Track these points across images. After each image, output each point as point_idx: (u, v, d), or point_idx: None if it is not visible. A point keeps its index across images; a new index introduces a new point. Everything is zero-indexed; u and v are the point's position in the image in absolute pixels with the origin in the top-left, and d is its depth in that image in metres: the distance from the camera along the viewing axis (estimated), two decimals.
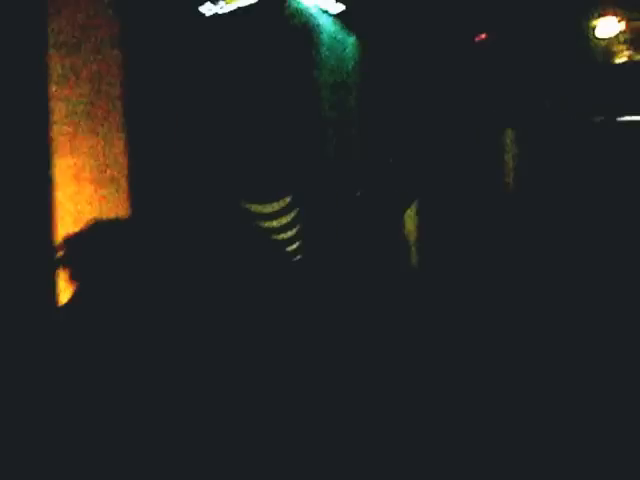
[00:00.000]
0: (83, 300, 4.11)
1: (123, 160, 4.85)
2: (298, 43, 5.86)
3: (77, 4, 4.91)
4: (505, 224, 5.79)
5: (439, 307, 5.13)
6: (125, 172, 4.82)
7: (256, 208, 4.89)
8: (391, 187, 5.34)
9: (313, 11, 5.66)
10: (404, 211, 5.65)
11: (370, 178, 5.15)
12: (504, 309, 5.04)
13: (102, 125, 4.79)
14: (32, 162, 4.74)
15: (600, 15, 5.94)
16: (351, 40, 5.65)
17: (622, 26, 5.99)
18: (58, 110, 4.77)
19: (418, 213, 5.81)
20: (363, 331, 4.72)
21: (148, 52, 5.10)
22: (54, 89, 4.75)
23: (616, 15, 5.97)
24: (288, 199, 5.17)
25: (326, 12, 5.63)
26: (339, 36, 5.81)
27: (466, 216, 5.86)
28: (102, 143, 4.79)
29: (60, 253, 4.56)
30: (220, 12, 5.71)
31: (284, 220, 5.08)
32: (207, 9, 5.57)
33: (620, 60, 6.20)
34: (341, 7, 5.32)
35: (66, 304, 4.28)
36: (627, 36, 6.09)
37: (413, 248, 5.54)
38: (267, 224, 4.98)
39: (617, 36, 6.15)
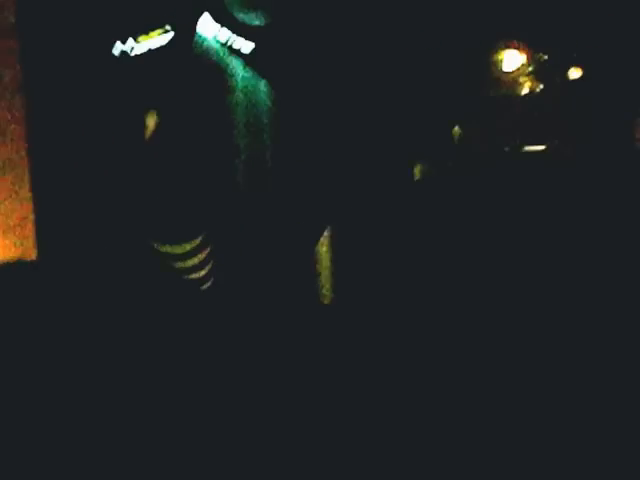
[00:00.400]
0: None
1: (28, 206, 4.76)
2: (209, 83, 5.84)
3: None
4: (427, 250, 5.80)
5: (349, 351, 4.87)
6: (31, 217, 4.74)
7: (166, 249, 4.86)
8: (297, 217, 5.33)
9: (224, 52, 5.66)
10: (314, 242, 5.65)
11: (277, 210, 5.12)
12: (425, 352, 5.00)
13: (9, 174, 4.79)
14: None
15: (505, 48, 6.11)
16: (263, 82, 5.61)
17: (524, 59, 6.16)
18: None
19: (332, 245, 5.83)
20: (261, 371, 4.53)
21: (55, 96, 4.98)
22: None
23: (519, 48, 6.12)
24: (199, 239, 5.10)
25: (238, 53, 5.62)
26: (252, 77, 5.77)
27: (386, 244, 5.82)
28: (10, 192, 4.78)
29: None
30: (131, 53, 5.66)
31: (196, 260, 5.00)
32: (116, 50, 5.49)
33: (524, 91, 6.35)
34: (251, 45, 5.30)
35: None
36: (530, 68, 6.26)
37: (327, 283, 5.51)
38: (179, 264, 4.90)
39: (520, 68, 6.32)
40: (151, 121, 5.51)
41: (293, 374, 4.55)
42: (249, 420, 4.34)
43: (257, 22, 5.50)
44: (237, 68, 6.14)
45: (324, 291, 5.49)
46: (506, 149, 6.06)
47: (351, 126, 5.63)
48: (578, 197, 5.83)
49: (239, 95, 6.37)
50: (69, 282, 4.60)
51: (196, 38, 5.57)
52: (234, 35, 5.52)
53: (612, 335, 5.05)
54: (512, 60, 6.14)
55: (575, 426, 4.39)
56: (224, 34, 5.59)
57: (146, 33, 5.53)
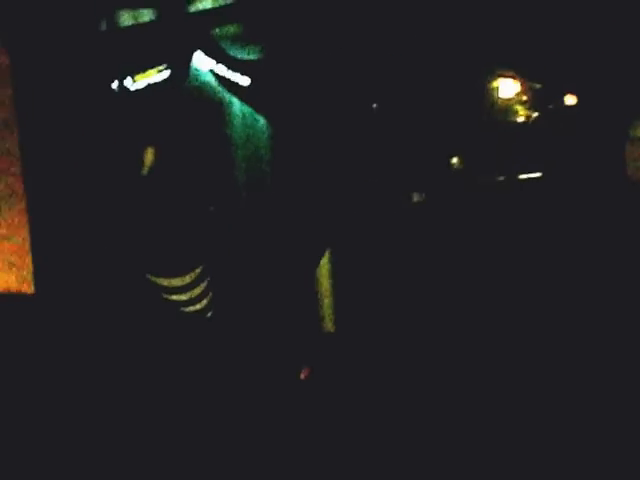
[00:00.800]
0: None
1: (27, 246, 4.79)
2: (207, 118, 5.98)
3: None
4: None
5: (350, 381, 4.81)
6: (25, 258, 4.73)
7: (163, 282, 4.83)
8: (296, 244, 5.34)
9: (221, 87, 5.74)
10: (314, 266, 5.65)
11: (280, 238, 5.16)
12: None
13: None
14: None
15: (500, 77, 6.12)
16: (261, 116, 5.75)
17: (518, 87, 6.17)
18: None
19: (333, 269, 5.87)
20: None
21: (51, 133, 4.94)
22: None
23: (513, 78, 6.11)
24: (199, 270, 5.07)
25: (236, 87, 5.71)
26: (250, 111, 5.88)
27: (384, 268, 5.80)
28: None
29: None
30: (131, 89, 5.75)
31: (196, 291, 4.97)
32: (116, 86, 5.60)
33: (520, 119, 6.37)
34: (247, 80, 5.38)
35: None
36: (525, 97, 6.26)
37: (328, 309, 5.53)
38: (176, 297, 4.87)
39: (516, 96, 6.33)
40: (149, 156, 5.60)
41: (294, 402, 4.61)
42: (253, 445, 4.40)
43: (251, 57, 5.67)
44: (234, 102, 6.28)
45: (326, 318, 5.54)
46: (501, 178, 6.09)
47: (348, 156, 5.68)
48: (571, 223, 5.85)
49: (237, 128, 6.50)
50: (65, 314, 4.73)
51: (192, 74, 5.75)
52: (230, 70, 5.74)
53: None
54: (507, 88, 6.18)
55: (568, 424, 4.26)
56: (220, 69, 5.76)
57: (143, 71, 5.73)
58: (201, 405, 4.37)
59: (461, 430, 4.43)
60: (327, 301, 5.74)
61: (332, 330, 5.70)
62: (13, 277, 5.08)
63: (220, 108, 5.84)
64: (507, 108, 6.32)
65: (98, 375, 4.31)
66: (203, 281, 5.22)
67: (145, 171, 5.48)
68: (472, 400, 4.64)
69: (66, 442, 4.09)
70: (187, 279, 5.09)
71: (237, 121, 5.94)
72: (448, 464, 4.15)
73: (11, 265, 5.03)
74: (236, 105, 5.87)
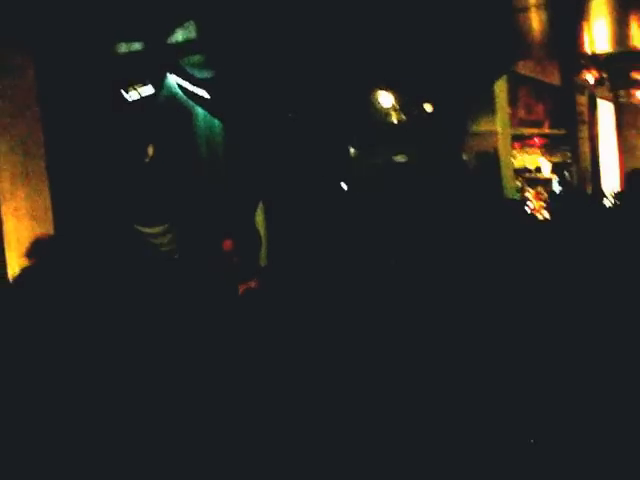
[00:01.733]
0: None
1: (48, 202, 5.86)
2: (181, 122, 7.12)
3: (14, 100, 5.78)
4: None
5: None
6: (49, 210, 5.82)
7: (145, 230, 6.25)
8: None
9: (187, 99, 6.98)
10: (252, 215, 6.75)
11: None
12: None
13: (31, 178, 5.82)
14: None
15: (380, 90, 7.57)
16: (216, 120, 7.12)
17: (393, 98, 7.67)
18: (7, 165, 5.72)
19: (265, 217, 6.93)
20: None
21: (69, 128, 6.02)
22: None
23: (389, 91, 7.63)
24: (167, 225, 6.73)
25: (198, 99, 6.97)
26: (209, 117, 7.19)
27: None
28: (32, 192, 5.82)
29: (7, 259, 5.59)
30: (130, 99, 6.78)
31: (165, 239, 6.61)
32: (127, 95, 6.72)
33: (394, 121, 7.87)
34: (205, 93, 6.77)
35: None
36: (397, 105, 7.78)
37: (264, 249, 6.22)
38: (153, 240, 6.55)
39: (392, 104, 7.84)
40: (150, 150, 6.66)
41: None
42: None
43: (206, 75, 6.83)
44: (198, 110, 7.18)
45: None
46: (379, 161, 7.45)
47: (277, 147, 7.21)
48: (424, 193, 6.92)
49: (200, 129, 7.38)
50: (78, 251, 5.44)
51: (167, 89, 6.83)
52: (193, 86, 6.85)
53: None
54: (385, 99, 7.60)
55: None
56: (186, 85, 6.87)
57: (134, 87, 6.69)
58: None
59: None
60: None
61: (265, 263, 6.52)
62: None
63: (189, 114, 7.12)
64: (385, 113, 7.82)
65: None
66: (170, 232, 6.51)
67: (147, 160, 6.59)
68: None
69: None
70: (157, 229, 6.38)
71: (200, 123, 7.21)
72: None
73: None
74: (199, 111, 7.12)
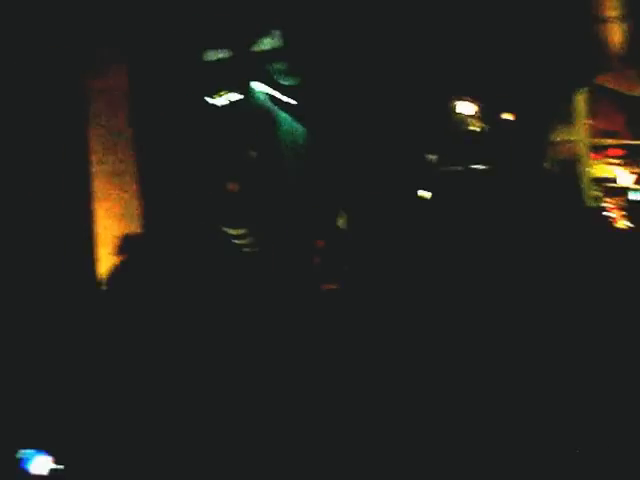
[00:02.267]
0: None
1: (138, 204, 5.96)
2: (265, 123, 7.17)
3: (109, 101, 5.95)
4: None
5: None
6: (139, 210, 5.94)
7: (229, 231, 6.31)
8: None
9: (272, 103, 7.08)
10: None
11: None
12: None
13: (122, 179, 5.96)
14: (81, 206, 5.98)
15: (460, 100, 7.54)
16: (298, 122, 7.23)
17: (474, 107, 7.62)
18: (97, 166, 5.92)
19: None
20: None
21: (157, 129, 6.11)
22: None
23: (470, 100, 7.59)
24: (249, 227, 6.80)
25: (282, 104, 7.09)
26: (291, 119, 7.28)
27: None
28: (123, 193, 5.98)
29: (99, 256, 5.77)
30: (217, 104, 6.92)
31: (247, 240, 6.69)
32: (210, 100, 6.85)
33: (475, 129, 7.86)
34: (293, 101, 7.03)
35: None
36: (479, 114, 7.73)
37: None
38: (237, 242, 6.64)
39: (474, 114, 7.78)
40: (252, 153, 6.80)
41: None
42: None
43: (291, 82, 6.98)
44: (282, 116, 7.34)
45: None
46: (459, 168, 7.35)
47: (360, 150, 7.19)
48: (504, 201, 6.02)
49: (284, 134, 7.49)
50: (166, 249, 5.50)
51: (252, 95, 6.96)
52: (278, 92, 7.03)
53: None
54: (467, 107, 7.59)
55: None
56: (271, 92, 7.00)
57: (215, 94, 6.85)
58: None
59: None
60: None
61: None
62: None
63: (273, 119, 7.22)
64: (467, 121, 7.79)
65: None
66: (253, 234, 6.46)
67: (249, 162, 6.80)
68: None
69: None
70: (240, 231, 6.37)
71: (283, 128, 7.33)
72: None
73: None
74: (283, 117, 7.26)
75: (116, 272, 5.21)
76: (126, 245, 5.43)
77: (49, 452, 3.69)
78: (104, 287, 5.29)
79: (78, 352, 4.53)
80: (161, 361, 4.37)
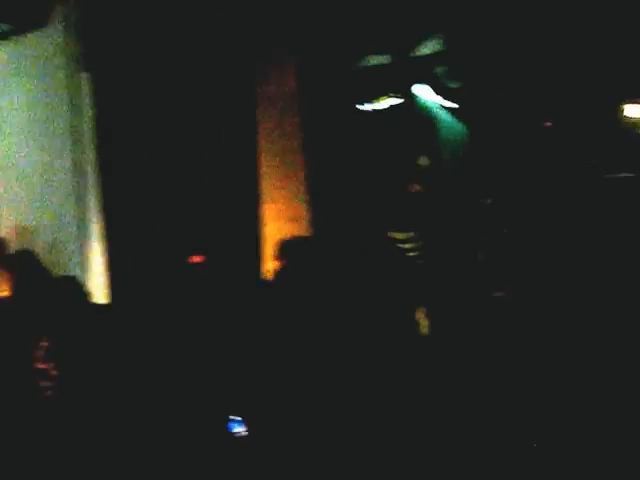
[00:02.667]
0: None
1: (305, 206, 6.07)
2: (425, 124, 7.10)
3: (279, 106, 6.07)
4: None
5: None
6: (307, 213, 6.04)
7: (396, 235, 6.30)
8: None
9: (434, 106, 6.99)
10: None
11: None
12: None
13: (290, 183, 6.12)
14: (250, 207, 6.13)
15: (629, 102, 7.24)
16: (460, 124, 7.09)
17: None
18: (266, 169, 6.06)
19: None
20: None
21: (322, 133, 6.18)
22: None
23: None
24: (412, 233, 6.74)
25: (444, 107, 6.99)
26: (453, 122, 7.14)
27: None
28: (290, 195, 6.11)
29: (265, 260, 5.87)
30: (372, 109, 6.84)
31: (412, 244, 6.64)
32: (364, 106, 6.79)
33: None
34: (454, 105, 6.82)
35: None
36: None
37: None
38: (401, 245, 6.58)
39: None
40: (424, 161, 6.77)
41: None
42: None
43: (454, 85, 6.85)
44: (442, 120, 7.20)
45: None
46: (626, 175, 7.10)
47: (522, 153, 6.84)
48: None
49: (444, 138, 7.34)
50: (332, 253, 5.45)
51: (415, 99, 6.88)
52: (441, 96, 6.87)
53: None
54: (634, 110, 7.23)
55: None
56: (432, 95, 6.89)
57: (377, 98, 6.80)
58: None
59: None
60: None
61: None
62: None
63: (433, 123, 7.13)
64: (634, 124, 7.46)
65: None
66: (416, 240, 6.41)
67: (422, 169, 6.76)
68: None
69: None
70: (406, 236, 6.33)
71: (444, 132, 7.24)
72: None
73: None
74: (444, 121, 7.14)
75: (281, 275, 5.24)
76: (290, 248, 5.44)
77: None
78: (269, 290, 5.33)
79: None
80: (328, 363, 4.35)
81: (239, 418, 4.29)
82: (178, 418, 4.20)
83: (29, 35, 6.48)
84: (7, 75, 6.66)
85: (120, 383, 4.09)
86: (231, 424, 4.29)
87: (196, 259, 6.18)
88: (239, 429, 4.29)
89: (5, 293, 4.84)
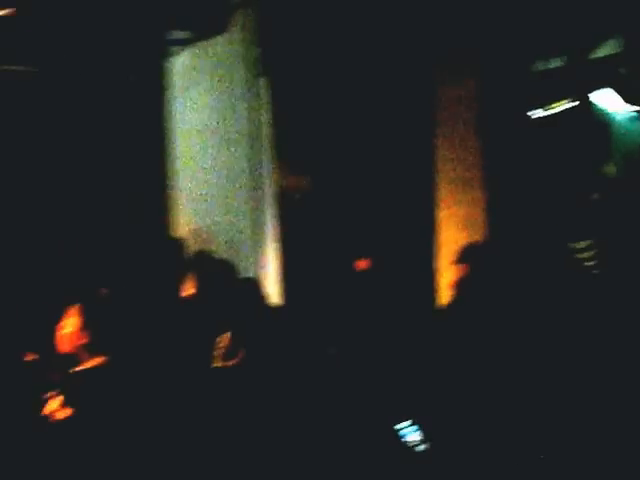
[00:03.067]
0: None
1: (483, 212, 5.89)
2: (600, 129, 6.85)
3: (456, 110, 5.94)
4: None
5: None
6: (485, 219, 5.88)
7: (574, 245, 6.12)
8: None
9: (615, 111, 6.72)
10: None
11: None
12: None
13: (468, 188, 5.93)
14: (425, 212, 6.01)
15: None
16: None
17: None
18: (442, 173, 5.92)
19: None
20: None
21: (500, 138, 6.01)
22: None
23: None
24: (590, 241, 6.50)
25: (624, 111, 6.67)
26: (635, 127, 6.78)
27: None
28: (468, 200, 5.93)
29: (441, 270, 5.85)
30: (548, 114, 6.64)
31: (590, 253, 6.39)
32: (541, 111, 6.60)
33: None
34: (636, 108, 6.47)
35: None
36: None
37: None
38: (579, 255, 6.36)
39: None
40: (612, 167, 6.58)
41: None
42: None
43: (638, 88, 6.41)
44: (624, 121, 6.88)
45: None
46: None
47: None
48: None
49: (626, 137, 7.01)
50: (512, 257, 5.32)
51: (591, 104, 6.66)
52: (621, 100, 6.59)
53: None
54: None
55: None
56: (616, 99, 6.61)
57: (553, 102, 6.61)
58: None
59: None
60: None
61: None
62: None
63: (613, 125, 6.90)
64: None
65: None
66: (593, 248, 6.21)
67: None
68: None
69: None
70: (583, 244, 6.14)
71: (625, 134, 6.94)
72: None
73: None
74: (623, 122, 6.85)
75: (460, 283, 5.13)
76: (469, 255, 5.29)
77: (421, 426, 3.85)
78: (446, 298, 5.22)
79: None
80: (511, 368, 4.23)
81: (412, 423, 4.11)
82: (352, 419, 4.09)
83: (208, 41, 6.57)
84: (186, 80, 6.81)
85: (292, 385, 4.05)
86: (404, 430, 4.09)
87: (364, 263, 6.09)
88: (413, 436, 4.08)
89: (190, 292, 4.83)
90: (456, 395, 4.15)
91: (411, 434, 4.07)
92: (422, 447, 4.03)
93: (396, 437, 4.00)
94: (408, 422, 4.10)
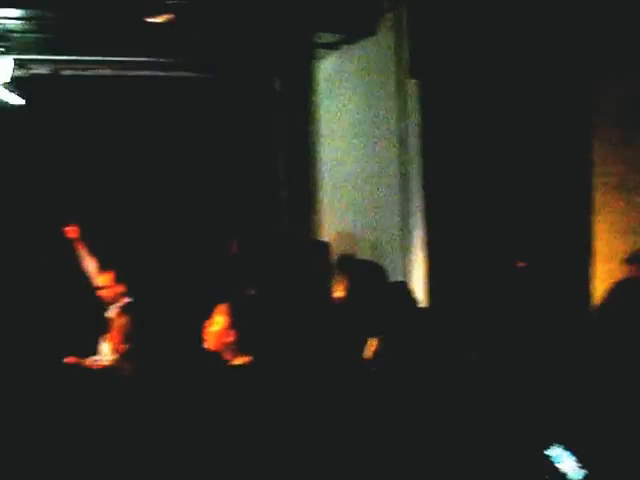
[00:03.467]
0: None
1: None
2: None
3: (615, 111, 5.55)
4: None
5: None
6: None
7: None
8: None
9: None
10: None
11: None
12: None
13: (629, 195, 5.52)
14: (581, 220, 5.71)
15: None
16: None
17: None
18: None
19: None
20: None
21: None
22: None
23: None
24: None
25: None
26: None
27: None
28: (630, 205, 5.56)
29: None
30: None
31: None
32: None
33: None
34: None
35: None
36: None
37: None
38: None
39: None
40: None
41: None
42: None
43: None
44: None
45: None
46: None
47: None
48: None
49: None
50: None
51: None
52: None
53: None
54: None
55: None
56: None
57: None
58: None
59: None
60: None
61: None
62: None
63: None
64: None
65: None
66: None
67: None
68: None
69: None
70: None
71: None
72: None
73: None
74: None
75: (619, 289, 4.49)
76: (629, 262, 5.02)
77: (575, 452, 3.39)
78: (604, 306, 4.56)
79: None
80: None
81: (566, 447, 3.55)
82: (492, 432, 3.81)
83: (358, 43, 6.53)
84: (336, 82, 6.79)
85: (439, 389, 3.88)
86: (556, 455, 3.53)
87: (517, 268, 5.86)
88: (567, 463, 3.51)
89: (341, 294, 4.76)
90: (618, 414, 3.66)
91: (565, 460, 3.51)
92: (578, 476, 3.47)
93: (546, 464, 3.53)
94: (561, 445, 3.55)
